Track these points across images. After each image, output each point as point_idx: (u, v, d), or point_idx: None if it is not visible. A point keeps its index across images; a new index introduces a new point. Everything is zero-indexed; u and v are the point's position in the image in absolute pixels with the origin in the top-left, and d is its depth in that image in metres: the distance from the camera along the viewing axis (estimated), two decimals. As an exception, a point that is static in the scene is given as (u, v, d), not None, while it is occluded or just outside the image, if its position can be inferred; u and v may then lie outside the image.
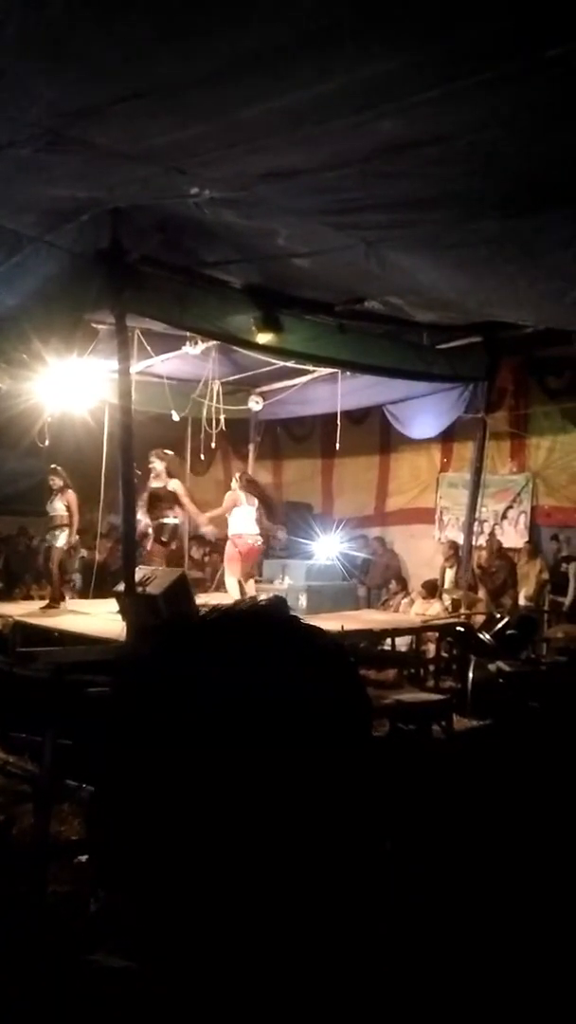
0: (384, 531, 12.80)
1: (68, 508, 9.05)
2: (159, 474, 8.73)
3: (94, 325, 6.97)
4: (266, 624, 0.66)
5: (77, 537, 9.44)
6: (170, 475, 8.76)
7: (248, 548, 9.07)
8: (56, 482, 9.09)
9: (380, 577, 12.07)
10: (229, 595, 8.85)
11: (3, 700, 6.22)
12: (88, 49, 3.52)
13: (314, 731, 0.62)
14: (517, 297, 6.82)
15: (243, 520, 9.02)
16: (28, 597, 10.21)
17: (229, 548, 9.10)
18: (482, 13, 3.08)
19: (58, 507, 9.10)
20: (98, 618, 8.14)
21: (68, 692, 5.18)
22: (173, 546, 8.93)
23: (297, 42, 3.34)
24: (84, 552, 11.11)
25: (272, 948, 0.59)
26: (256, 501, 9.17)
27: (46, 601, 9.07)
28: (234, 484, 9.22)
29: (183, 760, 0.60)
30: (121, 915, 0.62)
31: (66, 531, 9.09)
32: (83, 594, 10.06)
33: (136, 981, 0.60)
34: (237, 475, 9.53)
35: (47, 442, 9.14)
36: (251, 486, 9.35)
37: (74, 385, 8.21)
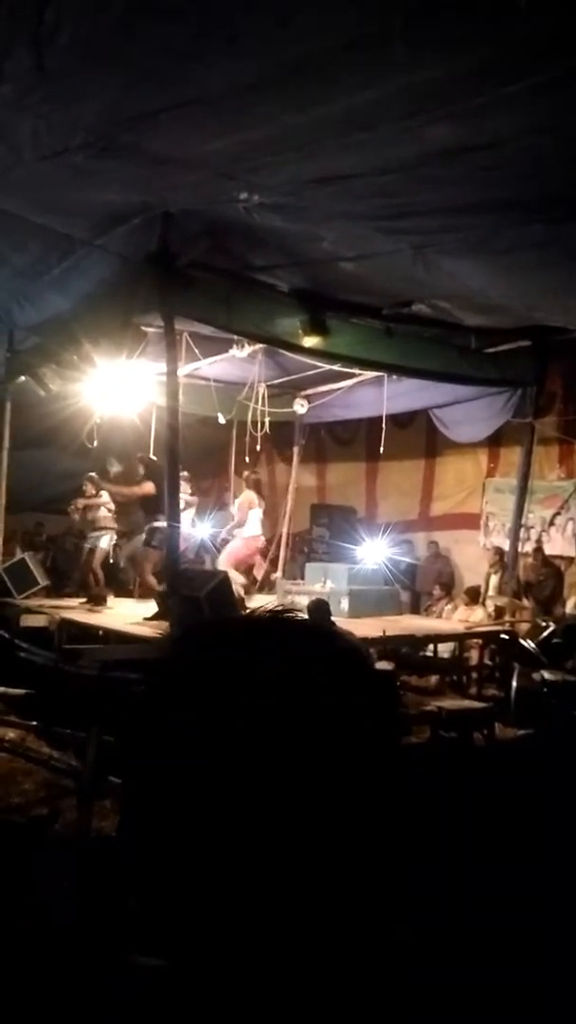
0: (428, 536, 12.71)
1: (108, 510, 9.20)
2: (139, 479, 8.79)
3: (143, 328, 7.06)
4: (287, 628, 0.66)
5: (124, 539, 9.59)
6: (148, 477, 8.75)
7: (258, 548, 9.32)
8: (89, 489, 9.24)
9: (433, 582, 11.96)
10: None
11: (49, 696, 6.33)
12: (141, 56, 3.58)
13: (336, 735, 0.62)
14: (566, 301, 6.73)
15: (255, 521, 9.24)
16: (73, 595, 10.37)
17: (241, 548, 9.21)
18: (531, 19, 3.05)
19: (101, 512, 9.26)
20: (141, 617, 8.22)
21: (112, 689, 5.26)
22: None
23: (348, 48, 3.35)
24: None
25: (295, 951, 0.60)
26: (262, 501, 9.41)
27: (82, 600, 9.17)
28: (244, 485, 9.36)
29: (202, 762, 0.61)
30: (154, 914, 0.63)
31: (109, 533, 9.21)
32: (128, 593, 10.18)
33: (168, 981, 0.60)
34: (245, 475, 9.61)
35: (96, 443, 9.28)
36: (258, 485, 9.53)
37: (123, 387, 8.32)
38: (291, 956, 0.59)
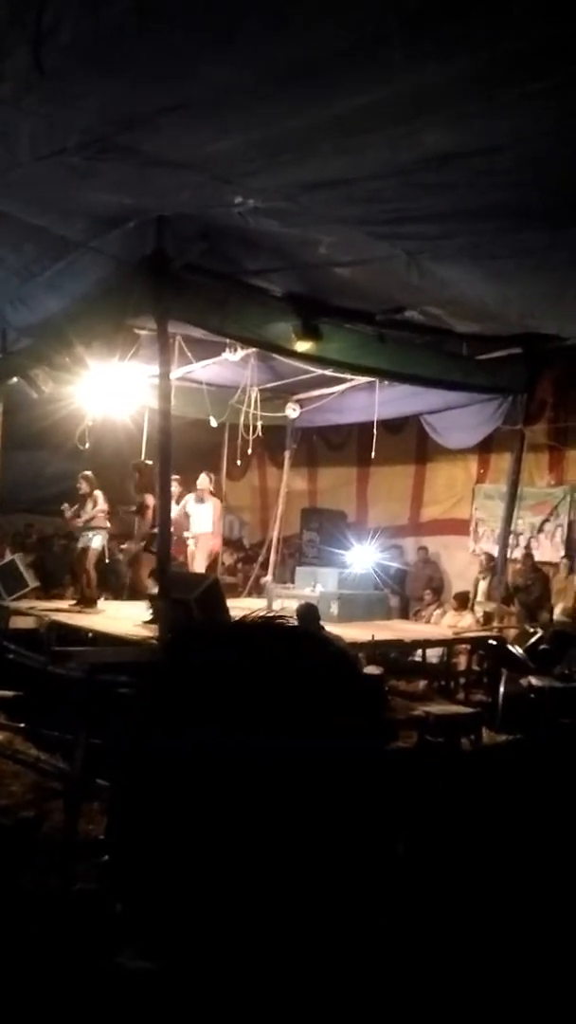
0: (418, 541, 12.74)
1: (99, 510, 9.17)
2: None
3: (136, 330, 7.06)
4: (277, 633, 0.67)
5: (115, 540, 9.61)
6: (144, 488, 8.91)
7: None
8: (83, 487, 9.18)
9: (422, 588, 11.98)
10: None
11: (37, 698, 6.30)
12: (139, 58, 3.58)
13: (325, 738, 0.63)
14: (560, 308, 6.77)
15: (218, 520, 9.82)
16: (62, 597, 10.34)
17: (211, 546, 9.58)
18: (527, 26, 3.08)
19: (89, 511, 9.21)
20: (132, 619, 8.21)
21: (100, 692, 5.24)
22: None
23: (345, 53, 3.36)
24: (120, 555, 11.20)
25: (284, 951, 0.60)
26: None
27: (77, 601, 9.16)
28: (207, 487, 9.64)
29: (191, 765, 0.62)
30: (142, 916, 0.62)
31: (102, 534, 9.18)
32: (117, 595, 10.16)
33: (157, 985, 0.60)
34: (210, 478, 9.77)
35: (88, 445, 9.26)
36: (218, 489, 9.99)
37: (115, 389, 8.31)
38: (281, 958, 0.60)
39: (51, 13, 3.21)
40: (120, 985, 0.64)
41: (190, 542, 9.69)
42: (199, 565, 9.42)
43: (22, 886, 3.85)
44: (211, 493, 9.82)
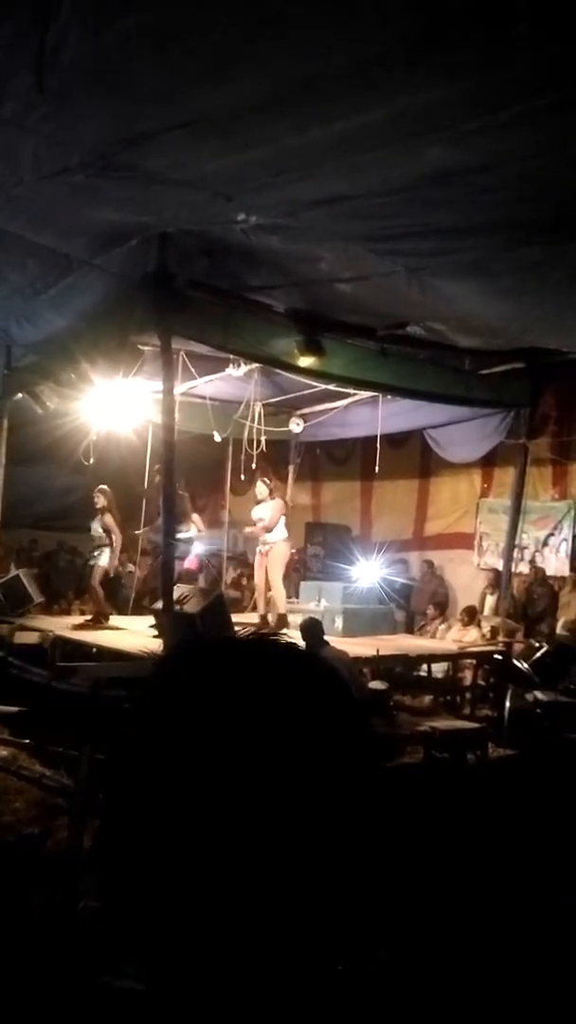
0: (422, 555, 12.72)
1: (107, 529, 9.19)
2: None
3: (140, 346, 7.09)
4: (269, 651, 0.68)
5: (124, 555, 9.58)
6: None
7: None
8: (100, 501, 9.22)
9: (427, 602, 11.94)
10: (278, 600, 8.85)
11: (41, 714, 6.30)
12: (141, 76, 3.62)
13: (311, 755, 0.63)
14: (562, 324, 6.79)
15: (283, 525, 9.13)
16: (67, 612, 10.34)
17: (284, 551, 9.08)
18: (531, 46, 3.10)
19: (98, 527, 9.25)
20: (137, 634, 8.21)
21: (104, 707, 5.24)
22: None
23: (347, 71, 3.40)
24: (131, 567, 11.21)
25: (277, 969, 0.60)
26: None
27: (88, 618, 9.19)
28: (265, 490, 9.22)
29: (183, 781, 0.62)
30: (133, 935, 0.62)
31: (108, 551, 9.21)
32: (123, 610, 10.16)
33: (146, 1006, 0.60)
34: (266, 483, 9.39)
35: (92, 460, 9.30)
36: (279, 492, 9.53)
37: (119, 405, 8.35)
38: (266, 980, 0.60)
39: (54, 33, 3.25)
40: (110, 1007, 0.64)
41: (261, 549, 9.15)
42: (275, 575, 8.93)
43: (27, 904, 3.83)
44: (271, 494, 9.21)
